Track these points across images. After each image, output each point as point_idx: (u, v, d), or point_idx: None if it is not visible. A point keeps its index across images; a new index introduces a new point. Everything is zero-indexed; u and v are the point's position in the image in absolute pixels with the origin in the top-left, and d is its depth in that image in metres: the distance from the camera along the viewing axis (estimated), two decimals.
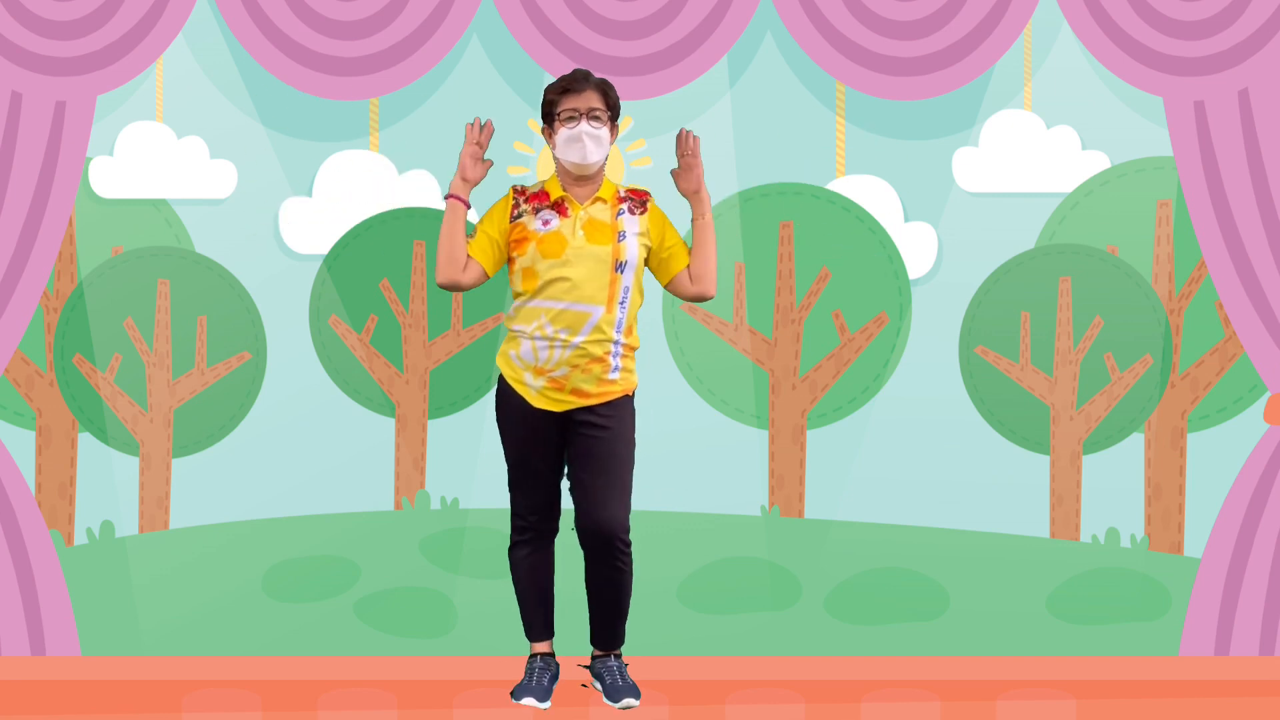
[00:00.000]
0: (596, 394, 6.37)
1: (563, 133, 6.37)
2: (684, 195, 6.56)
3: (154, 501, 8.05)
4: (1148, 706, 6.61)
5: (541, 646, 6.58)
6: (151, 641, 7.91)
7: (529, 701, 6.43)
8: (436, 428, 8.08)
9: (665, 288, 6.59)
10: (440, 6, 7.69)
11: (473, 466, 7.98)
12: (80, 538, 8.03)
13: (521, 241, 6.40)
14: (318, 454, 8.02)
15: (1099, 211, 8.05)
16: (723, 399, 8.07)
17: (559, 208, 6.41)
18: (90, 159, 7.98)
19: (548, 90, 6.44)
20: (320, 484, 8.01)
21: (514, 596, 6.60)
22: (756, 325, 8.09)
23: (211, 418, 8.07)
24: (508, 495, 6.55)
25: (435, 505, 8.05)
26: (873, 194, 8.05)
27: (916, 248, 8.06)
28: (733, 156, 8.02)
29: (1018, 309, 8.07)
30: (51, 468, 8.06)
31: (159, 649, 7.88)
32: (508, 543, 6.59)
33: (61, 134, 7.67)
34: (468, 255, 6.45)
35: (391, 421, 8.08)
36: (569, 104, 6.38)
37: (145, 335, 8.06)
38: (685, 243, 6.58)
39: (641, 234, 6.44)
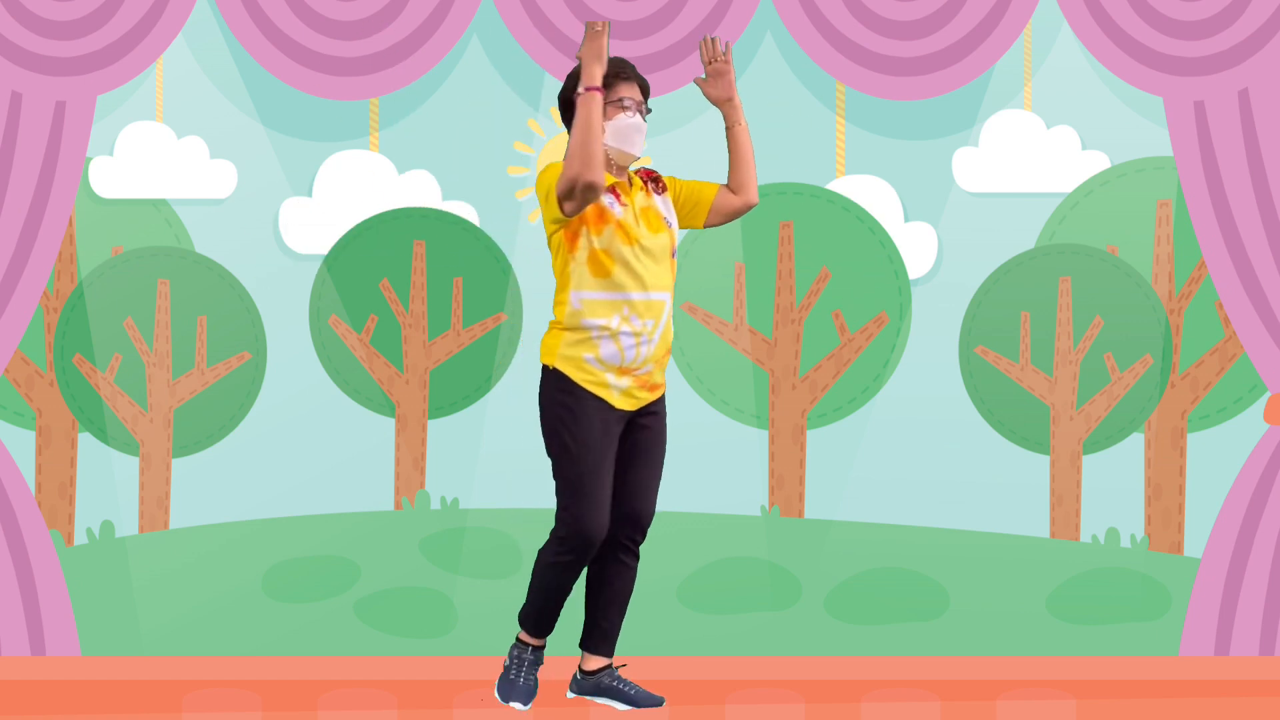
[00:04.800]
0: (662, 383, 6.22)
1: (622, 119, 6.04)
2: (715, 104, 6.21)
3: (154, 501, 8.05)
4: (1148, 706, 6.60)
5: (539, 641, 6.44)
6: (151, 641, 7.91)
7: (516, 706, 6.29)
8: (436, 428, 8.08)
9: (706, 225, 6.26)
10: (440, 6, 7.70)
11: (473, 466, 7.98)
12: (80, 538, 8.03)
13: (600, 221, 6.02)
14: (318, 454, 8.02)
15: (1099, 211, 8.05)
16: (723, 399, 8.07)
17: (615, 194, 6.09)
18: (90, 159, 7.98)
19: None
20: (320, 484, 8.01)
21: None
22: (756, 325, 8.09)
23: (211, 418, 8.07)
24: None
25: (435, 505, 8.05)
26: (873, 194, 8.05)
27: (916, 248, 8.06)
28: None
29: (1018, 309, 8.07)
30: (51, 468, 8.06)
31: (159, 649, 7.88)
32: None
33: (61, 134, 7.67)
34: None
35: (391, 421, 8.08)
36: (626, 91, 6.07)
37: (145, 335, 8.06)
38: (694, 180, 6.38)
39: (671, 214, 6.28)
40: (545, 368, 6.09)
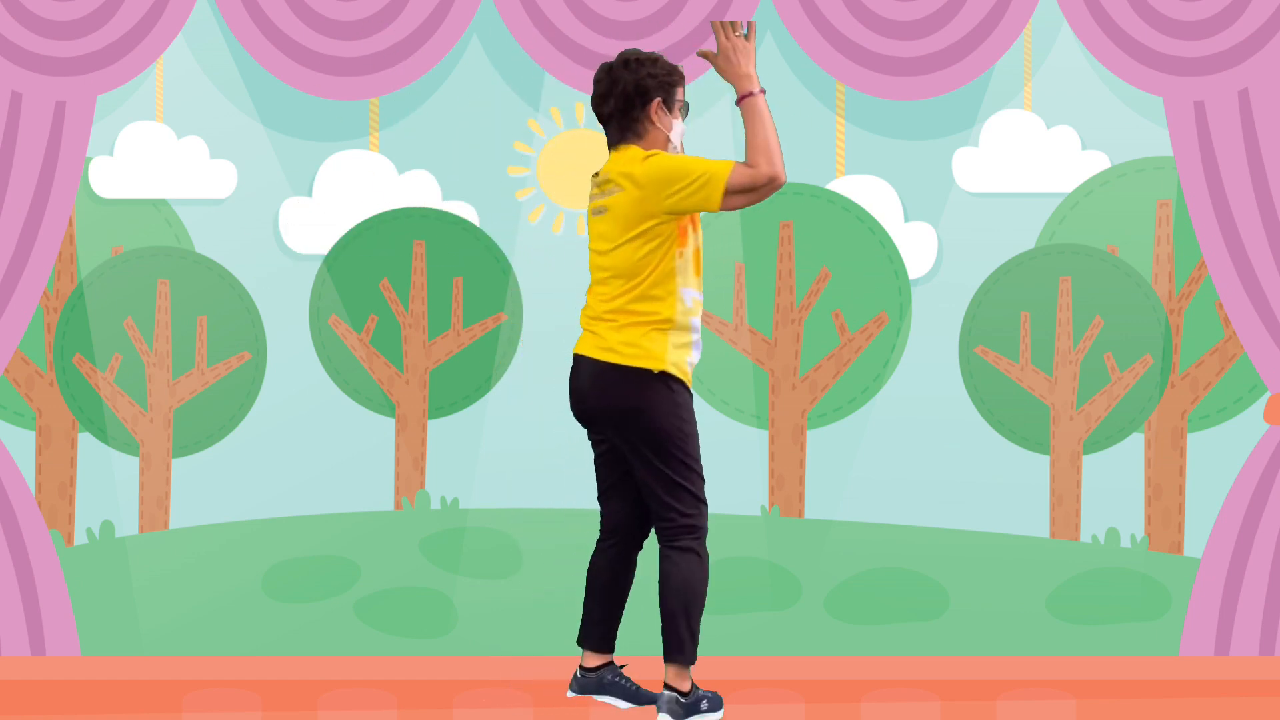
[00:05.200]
0: None
1: (681, 124, 5.94)
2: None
3: (154, 501, 8.05)
4: (1148, 706, 6.60)
5: None
6: (151, 641, 7.91)
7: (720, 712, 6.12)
8: (436, 428, 8.08)
9: None
10: (440, 6, 7.69)
11: (473, 466, 7.98)
12: (80, 538, 8.03)
13: (696, 220, 5.86)
14: (318, 454, 8.02)
15: (1099, 211, 8.05)
16: (723, 399, 8.07)
17: None
18: (90, 159, 7.98)
19: (673, 72, 5.90)
20: (320, 484, 8.01)
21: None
22: (756, 325, 8.09)
23: (211, 418, 8.07)
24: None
25: (435, 505, 8.05)
26: (873, 194, 8.05)
27: (916, 248, 8.06)
28: (733, 156, 8.01)
29: (1018, 309, 8.07)
30: (51, 468, 8.06)
31: (159, 649, 7.88)
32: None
33: (61, 134, 7.67)
34: None
35: (391, 421, 8.08)
36: (682, 96, 5.97)
37: (145, 335, 8.06)
38: None
39: None
40: (648, 371, 5.81)
